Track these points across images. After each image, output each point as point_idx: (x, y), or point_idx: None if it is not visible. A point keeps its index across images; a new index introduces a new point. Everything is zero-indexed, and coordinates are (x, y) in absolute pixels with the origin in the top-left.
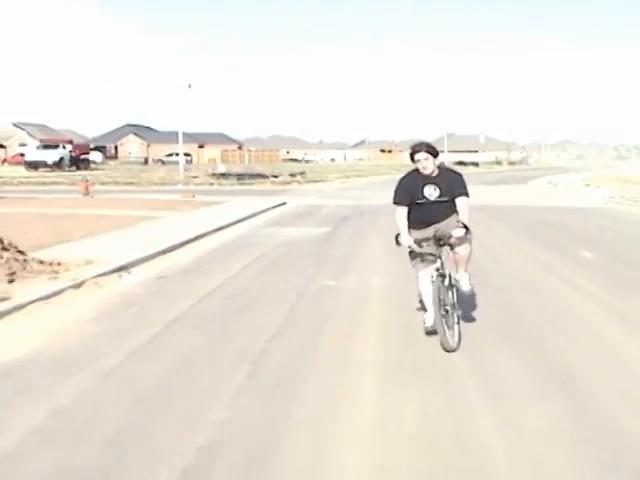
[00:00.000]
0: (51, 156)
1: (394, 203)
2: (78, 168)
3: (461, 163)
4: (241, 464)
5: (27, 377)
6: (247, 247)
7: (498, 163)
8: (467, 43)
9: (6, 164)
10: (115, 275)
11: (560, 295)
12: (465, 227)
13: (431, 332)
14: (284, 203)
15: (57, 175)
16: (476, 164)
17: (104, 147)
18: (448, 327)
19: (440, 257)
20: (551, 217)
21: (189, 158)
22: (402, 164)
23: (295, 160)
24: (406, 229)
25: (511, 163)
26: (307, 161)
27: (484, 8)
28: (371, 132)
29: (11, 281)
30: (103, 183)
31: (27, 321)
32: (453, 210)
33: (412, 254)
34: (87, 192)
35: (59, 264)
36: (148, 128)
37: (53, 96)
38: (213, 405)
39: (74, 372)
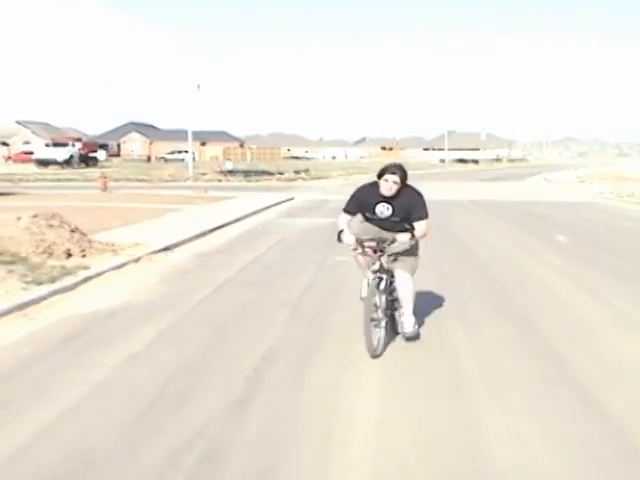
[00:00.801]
0: (61, 154)
1: (343, 210)
2: (87, 165)
3: (461, 160)
4: (293, 357)
5: (130, 315)
6: (267, 233)
7: (498, 160)
8: (469, 40)
9: (11, 161)
10: (162, 254)
11: (530, 267)
12: (412, 234)
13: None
14: (292, 198)
15: (70, 172)
16: (476, 161)
17: (106, 145)
18: (370, 333)
19: (380, 260)
20: (540, 210)
21: (191, 156)
22: (403, 161)
23: (296, 158)
24: (347, 229)
25: (511, 161)
26: (308, 159)
27: (486, 5)
28: (372, 130)
29: (83, 256)
30: (116, 180)
31: (108, 284)
32: (402, 228)
33: (356, 258)
34: (105, 188)
35: (113, 245)
36: (150, 126)
37: (55, 94)
38: (269, 329)
39: (162, 313)
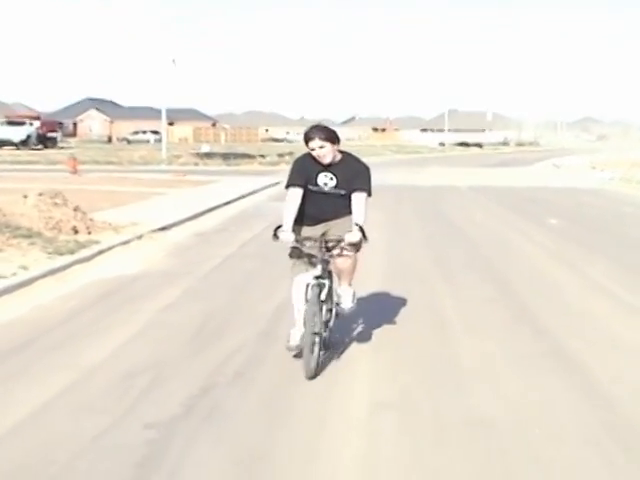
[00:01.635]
0: (17, 134)
1: (287, 186)
2: (45, 147)
3: (463, 144)
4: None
5: (152, 279)
6: (261, 215)
7: (505, 144)
8: (472, 7)
9: None
10: (162, 232)
11: (517, 244)
12: (362, 231)
13: (295, 351)
14: (278, 183)
15: (28, 154)
16: (479, 145)
17: (61, 123)
18: (311, 350)
19: (322, 263)
20: (540, 195)
21: (158, 137)
22: (398, 144)
23: (276, 140)
24: (291, 221)
25: (519, 144)
26: (289, 141)
27: None
28: (362, 108)
29: (89, 233)
30: (82, 162)
31: (120, 256)
32: (348, 209)
33: (293, 253)
34: (75, 171)
35: (111, 224)
36: (111, 103)
37: (0, 65)
38: (277, 291)
39: (180, 278)
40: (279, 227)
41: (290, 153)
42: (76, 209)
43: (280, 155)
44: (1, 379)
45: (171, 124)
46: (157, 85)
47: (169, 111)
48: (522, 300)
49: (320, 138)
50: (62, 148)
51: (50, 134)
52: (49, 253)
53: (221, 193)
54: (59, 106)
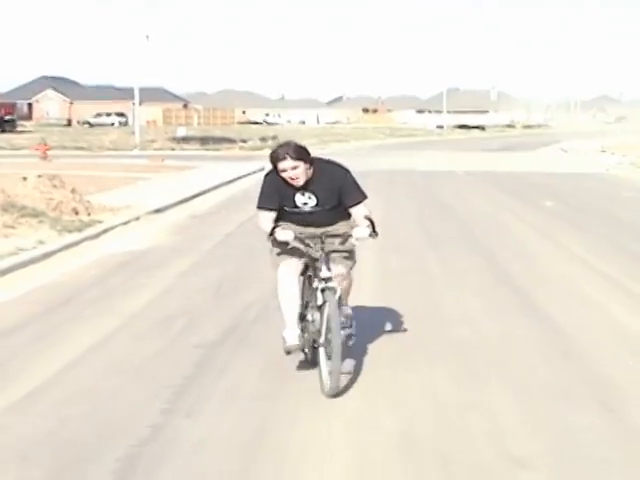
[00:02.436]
0: None
1: (258, 208)
2: (3, 130)
3: (464, 127)
4: None
5: (161, 253)
6: (253, 199)
7: (511, 127)
8: None
9: None
10: (158, 214)
11: (506, 223)
12: (372, 225)
13: (295, 351)
14: (263, 168)
15: None
16: (482, 128)
17: (14, 104)
18: (327, 357)
19: (327, 264)
20: (541, 181)
21: (123, 119)
22: (391, 127)
23: (255, 123)
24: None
25: (527, 127)
26: (269, 123)
27: None
28: (350, 86)
29: (89, 214)
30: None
31: (125, 235)
32: (343, 215)
33: (276, 242)
34: (46, 156)
35: (106, 207)
36: (70, 81)
37: None
38: None
39: (187, 252)
40: (275, 227)
41: (274, 137)
42: (73, 191)
43: (263, 139)
44: (60, 322)
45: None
46: (126, 62)
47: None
48: (503, 267)
49: (292, 157)
50: (22, 132)
51: (8, 117)
52: (59, 230)
53: (207, 178)
54: (11, 86)
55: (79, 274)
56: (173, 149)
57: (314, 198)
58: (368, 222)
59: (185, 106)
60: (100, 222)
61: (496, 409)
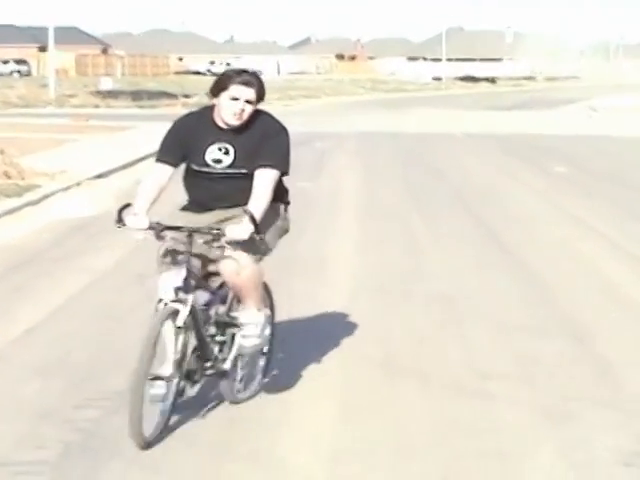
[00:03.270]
0: None
1: (157, 159)
2: None
3: (469, 78)
4: None
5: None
6: None
7: (530, 79)
8: None
9: None
10: (100, 180)
11: (505, 189)
12: (254, 223)
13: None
14: None
15: None
16: (492, 80)
17: None
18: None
19: (187, 267)
20: (555, 144)
21: (25, 68)
22: (374, 78)
23: (197, 73)
24: (146, 203)
25: (550, 79)
26: (215, 74)
27: None
28: (320, 26)
29: (22, 178)
30: None
31: (68, 201)
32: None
33: (163, 249)
34: None
35: (36, 171)
36: None
37: None
38: None
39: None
40: (125, 206)
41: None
42: (2, 153)
43: None
44: (30, 278)
45: (43, 49)
46: None
47: (41, 31)
48: (494, 229)
49: (256, 90)
50: None
51: None
52: None
53: (148, 140)
54: None
55: (32, 238)
56: (97, 106)
57: (231, 154)
58: (247, 216)
59: (105, 51)
60: (39, 187)
61: (471, 341)
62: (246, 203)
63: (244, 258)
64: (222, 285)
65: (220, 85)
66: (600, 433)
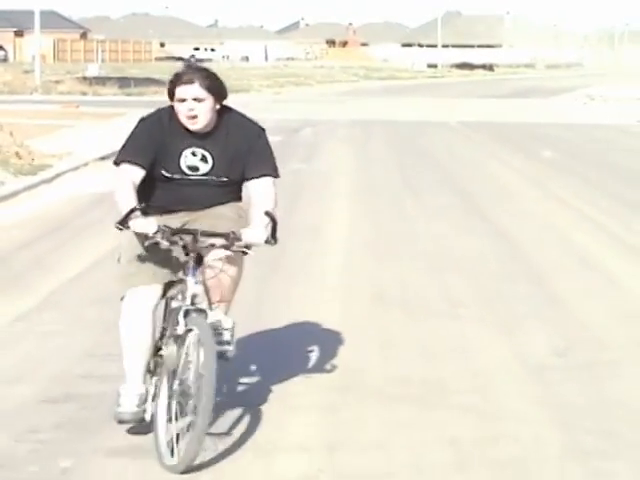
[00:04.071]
0: None
1: (116, 162)
2: None
3: (466, 65)
4: None
5: None
6: None
7: (530, 66)
8: None
9: None
10: (105, 162)
11: (494, 171)
12: (274, 229)
13: (128, 422)
14: None
15: None
16: (489, 67)
17: None
18: (167, 419)
19: (194, 274)
20: (546, 132)
21: (1, 53)
22: (367, 66)
23: (180, 59)
24: (135, 203)
25: (551, 67)
26: (199, 60)
27: None
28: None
29: (32, 159)
30: None
31: (80, 179)
32: (232, 194)
33: (138, 248)
34: None
35: (44, 153)
36: None
37: None
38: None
39: None
40: (132, 211)
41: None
42: (12, 135)
43: None
44: (66, 240)
45: (20, 34)
46: None
47: (15, 14)
48: (478, 204)
49: (201, 84)
50: None
51: None
52: (13, 173)
53: None
54: None
55: (55, 210)
56: (85, 93)
57: (209, 161)
58: (268, 219)
59: (84, 36)
60: (50, 166)
61: (447, 284)
62: (223, 202)
63: (241, 262)
64: None
65: (170, 91)
66: (541, 338)
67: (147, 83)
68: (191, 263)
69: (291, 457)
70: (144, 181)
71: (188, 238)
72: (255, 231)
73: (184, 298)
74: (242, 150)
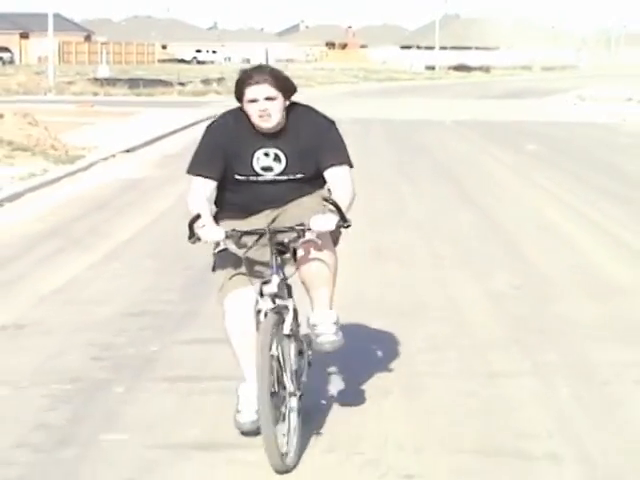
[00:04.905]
0: None
1: (188, 172)
2: None
3: (463, 67)
4: None
5: (159, 180)
6: None
7: (526, 68)
8: None
9: None
10: (130, 154)
11: (481, 162)
12: (339, 211)
13: (249, 433)
14: (214, 115)
15: None
16: (486, 69)
17: None
18: (279, 420)
19: (278, 273)
20: (537, 129)
21: (7, 55)
22: (366, 67)
23: (183, 61)
24: (209, 212)
25: (547, 69)
26: (201, 62)
27: None
28: (310, 12)
29: (66, 151)
30: None
31: (111, 168)
32: (312, 187)
33: (220, 259)
34: None
35: (74, 146)
36: None
37: None
38: None
39: (181, 178)
40: (195, 219)
41: (220, 80)
42: (47, 129)
43: (206, 82)
44: (110, 216)
45: (25, 36)
46: None
47: (20, 17)
48: (467, 190)
49: (271, 84)
50: None
51: None
52: (53, 162)
53: (159, 123)
54: None
55: (96, 192)
56: (96, 93)
57: (282, 160)
58: (330, 205)
59: (88, 38)
60: (83, 157)
61: (433, 245)
62: (302, 195)
63: (327, 250)
64: None
65: (238, 92)
66: (503, 278)
67: (155, 84)
68: (273, 261)
69: None
70: (222, 186)
71: (265, 238)
72: (323, 218)
73: (264, 299)
74: (314, 145)
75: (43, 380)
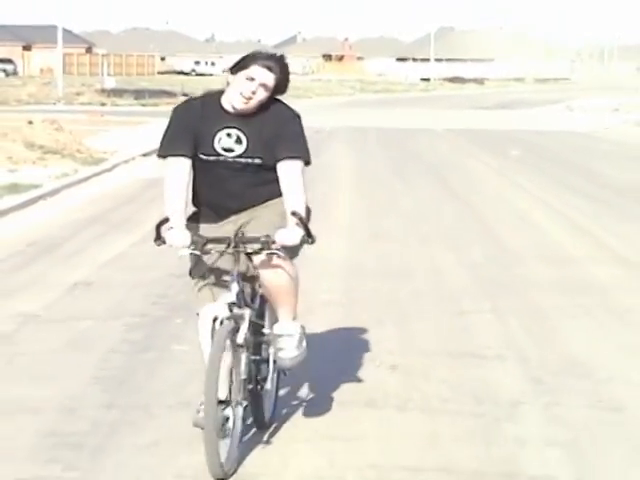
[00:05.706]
0: None
1: (160, 154)
2: None
3: (457, 79)
4: None
5: None
6: None
7: (519, 80)
8: None
9: None
10: (147, 157)
11: (467, 165)
12: (303, 224)
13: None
14: None
15: None
16: (480, 81)
17: None
18: (224, 427)
19: (238, 282)
20: (524, 137)
21: (11, 67)
22: (363, 79)
23: (182, 73)
24: (181, 210)
25: (540, 81)
26: (200, 74)
27: None
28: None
29: (91, 155)
30: None
31: (133, 169)
32: (275, 189)
33: (195, 269)
34: None
35: (96, 150)
36: None
37: None
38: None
39: None
40: (163, 222)
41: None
42: (72, 134)
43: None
44: (141, 208)
45: (27, 48)
46: None
47: (23, 29)
48: (453, 187)
49: (276, 75)
50: None
51: None
52: (81, 164)
53: None
54: None
55: (122, 189)
56: (104, 104)
57: (243, 142)
58: (296, 219)
59: (89, 50)
60: (106, 160)
61: (422, 230)
62: (264, 199)
63: (287, 263)
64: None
65: (241, 63)
66: (477, 253)
67: (160, 95)
68: (234, 270)
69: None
70: (195, 176)
71: (230, 246)
72: (288, 232)
73: (234, 303)
74: (275, 134)
75: (117, 316)
